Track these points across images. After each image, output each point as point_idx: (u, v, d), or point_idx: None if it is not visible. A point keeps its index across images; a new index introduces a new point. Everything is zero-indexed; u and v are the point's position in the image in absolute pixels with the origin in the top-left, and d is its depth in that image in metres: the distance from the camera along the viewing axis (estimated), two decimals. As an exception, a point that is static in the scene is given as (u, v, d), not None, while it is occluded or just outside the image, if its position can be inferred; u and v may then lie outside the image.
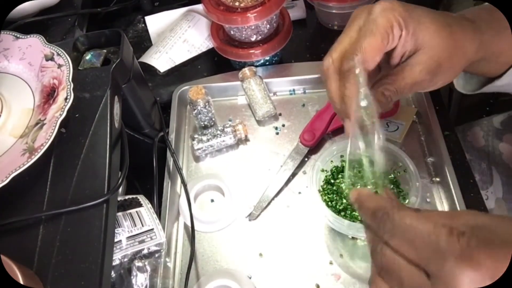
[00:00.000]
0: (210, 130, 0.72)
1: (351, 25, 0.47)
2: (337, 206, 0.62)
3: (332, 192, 0.63)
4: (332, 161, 0.65)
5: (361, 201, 0.38)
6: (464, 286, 0.29)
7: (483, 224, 0.31)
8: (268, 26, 0.76)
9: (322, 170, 0.64)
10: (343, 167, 0.65)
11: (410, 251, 0.32)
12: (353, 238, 0.62)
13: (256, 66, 0.79)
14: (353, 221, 0.59)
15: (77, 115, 0.55)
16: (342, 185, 0.63)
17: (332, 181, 0.64)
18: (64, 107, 0.51)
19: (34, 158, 0.48)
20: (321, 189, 0.63)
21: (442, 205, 0.64)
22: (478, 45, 0.48)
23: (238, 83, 0.77)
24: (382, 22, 0.45)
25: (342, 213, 0.61)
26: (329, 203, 0.62)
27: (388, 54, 0.48)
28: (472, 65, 0.50)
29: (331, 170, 0.65)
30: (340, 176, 0.64)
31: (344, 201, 0.62)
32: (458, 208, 0.61)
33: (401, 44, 0.46)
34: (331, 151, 0.64)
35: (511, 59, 0.51)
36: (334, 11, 0.82)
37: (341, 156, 0.65)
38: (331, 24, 0.87)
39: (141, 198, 0.62)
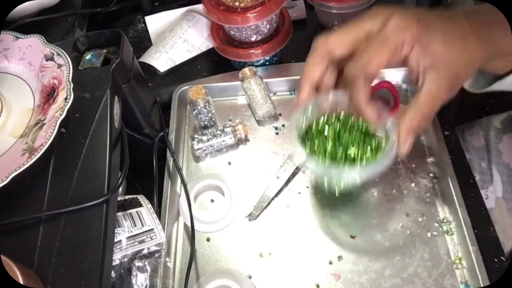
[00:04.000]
0: (210, 130, 0.72)
1: (365, 22, 0.47)
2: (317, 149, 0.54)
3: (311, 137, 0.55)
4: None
5: None
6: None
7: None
8: (268, 26, 0.76)
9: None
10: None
11: None
12: (352, 237, 0.62)
13: (256, 66, 0.79)
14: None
15: (77, 115, 0.55)
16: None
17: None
18: (64, 107, 0.51)
19: (34, 158, 0.48)
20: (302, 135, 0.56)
21: (442, 205, 0.64)
22: (492, 50, 0.48)
23: (238, 83, 0.77)
24: (394, 41, 0.45)
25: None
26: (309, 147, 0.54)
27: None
28: (482, 64, 0.50)
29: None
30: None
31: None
32: (458, 208, 0.61)
33: (415, 61, 0.46)
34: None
35: None
36: (334, 11, 0.82)
37: None
38: (331, 24, 0.87)
39: (141, 198, 0.62)
